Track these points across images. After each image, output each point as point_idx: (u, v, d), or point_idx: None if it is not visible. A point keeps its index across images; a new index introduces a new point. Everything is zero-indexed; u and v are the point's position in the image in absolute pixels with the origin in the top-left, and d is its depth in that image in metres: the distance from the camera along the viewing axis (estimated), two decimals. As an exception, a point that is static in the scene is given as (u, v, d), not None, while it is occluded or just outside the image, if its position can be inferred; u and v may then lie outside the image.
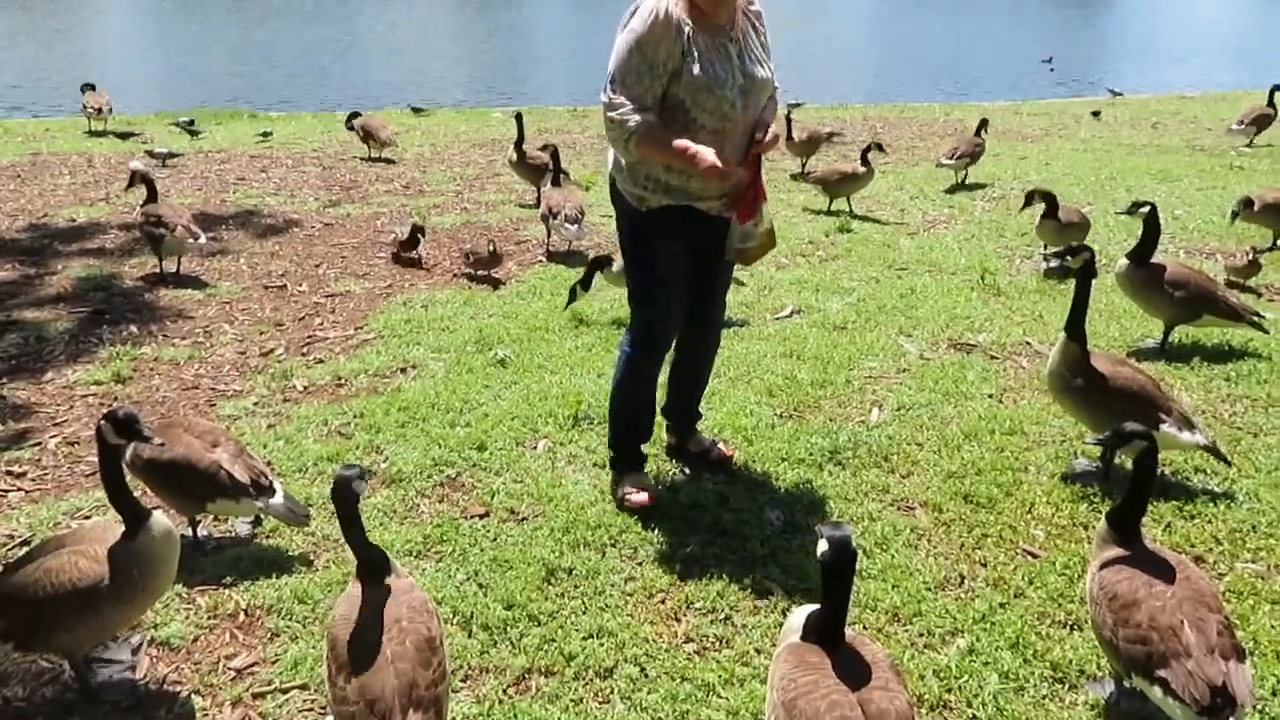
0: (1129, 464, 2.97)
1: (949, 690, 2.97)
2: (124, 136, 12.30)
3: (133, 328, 6.04)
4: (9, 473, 4.30)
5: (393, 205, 9.22)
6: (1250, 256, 6.54)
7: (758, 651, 3.13)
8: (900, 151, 12.06)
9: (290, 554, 3.66)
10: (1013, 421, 4.63)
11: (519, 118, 9.20)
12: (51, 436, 4.63)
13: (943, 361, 5.40)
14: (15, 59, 22.05)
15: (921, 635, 3.22)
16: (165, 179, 9.96)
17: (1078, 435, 4.45)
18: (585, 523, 3.80)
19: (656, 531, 3.76)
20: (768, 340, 5.70)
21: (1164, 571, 2.71)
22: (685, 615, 3.32)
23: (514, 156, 9.01)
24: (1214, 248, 7.64)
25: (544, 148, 8.59)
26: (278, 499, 3.50)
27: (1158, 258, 5.43)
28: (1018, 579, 3.48)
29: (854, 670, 2.28)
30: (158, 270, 6.99)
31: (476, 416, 4.71)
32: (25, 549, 3.35)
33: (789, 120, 10.53)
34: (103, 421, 2.89)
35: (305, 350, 5.75)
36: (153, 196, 6.95)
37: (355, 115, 11.79)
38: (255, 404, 4.98)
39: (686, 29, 3.37)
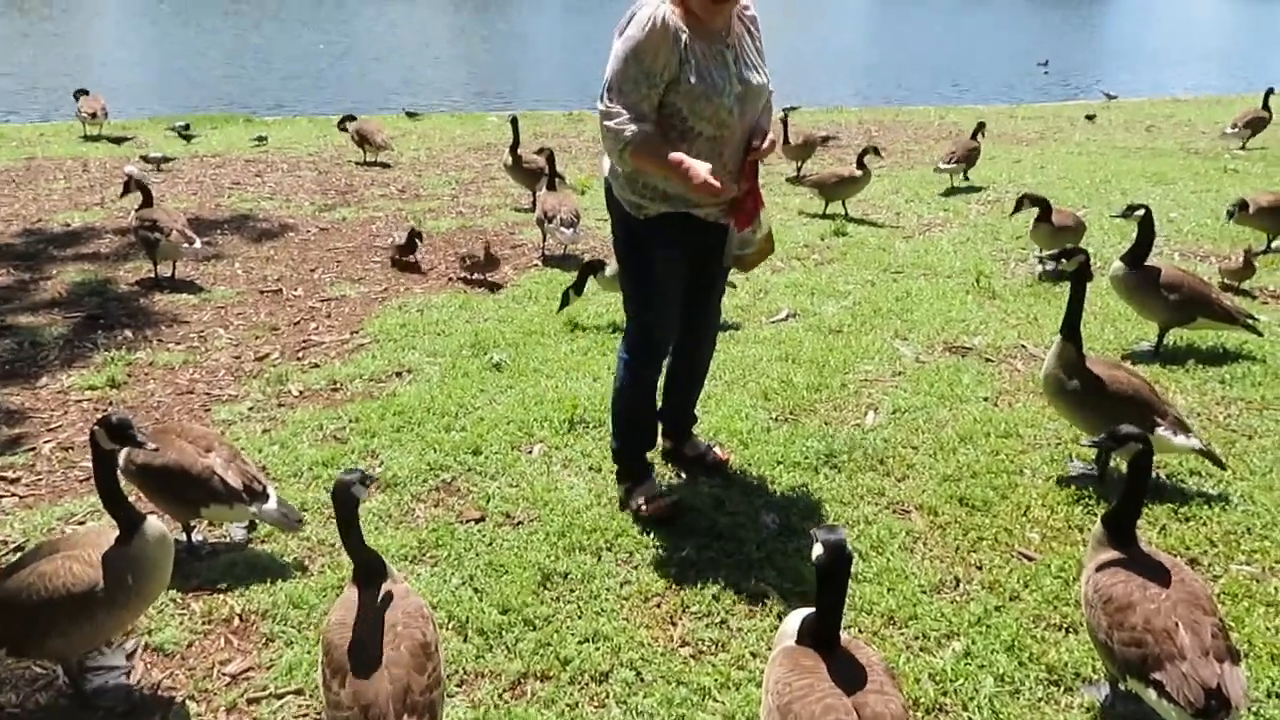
0: (1124, 467, 2.97)
1: (945, 693, 2.97)
2: (118, 141, 12.29)
3: (127, 332, 6.03)
4: (3, 478, 4.28)
5: (388, 209, 9.22)
6: (1244, 259, 6.56)
7: (753, 655, 3.13)
8: (895, 155, 12.08)
9: (285, 559, 3.65)
10: (1008, 424, 4.63)
11: (515, 122, 9.21)
12: (46, 442, 4.62)
13: (938, 365, 5.40)
14: (10, 63, 22.02)
15: (917, 638, 3.22)
16: (160, 183, 9.95)
17: (1073, 438, 4.45)
18: (581, 527, 3.80)
19: (652, 535, 3.76)
20: (763, 344, 5.70)
21: (1159, 574, 2.71)
22: (681, 619, 3.32)
23: (509, 161, 9.01)
24: (1208, 250, 7.66)
25: (540, 151, 8.60)
26: (271, 504, 3.50)
27: (1152, 260, 5.44)
28: (1013, 582, 3.48)
29: (849, 674, 2.28)
30: (153, 275, 6.98)
31: (472, 421, 4.70)
32: (19, 555, 3.34)
33: (785, 124, 10.55)
34: (97, 427, 2.89)
35: (300, 355, 5.74)
36: (148, 201, 6.94)
37: (349, 118, 11.79)
38: (250, 409, 4.97)
39: (683, 37, 3.35)
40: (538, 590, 3.45)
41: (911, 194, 9.85)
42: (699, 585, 3.47)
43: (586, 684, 3.03)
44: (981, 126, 10.82)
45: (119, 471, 3.17)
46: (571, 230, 7.29)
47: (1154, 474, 4.08)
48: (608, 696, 2.98)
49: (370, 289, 6.95)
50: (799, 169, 10.83)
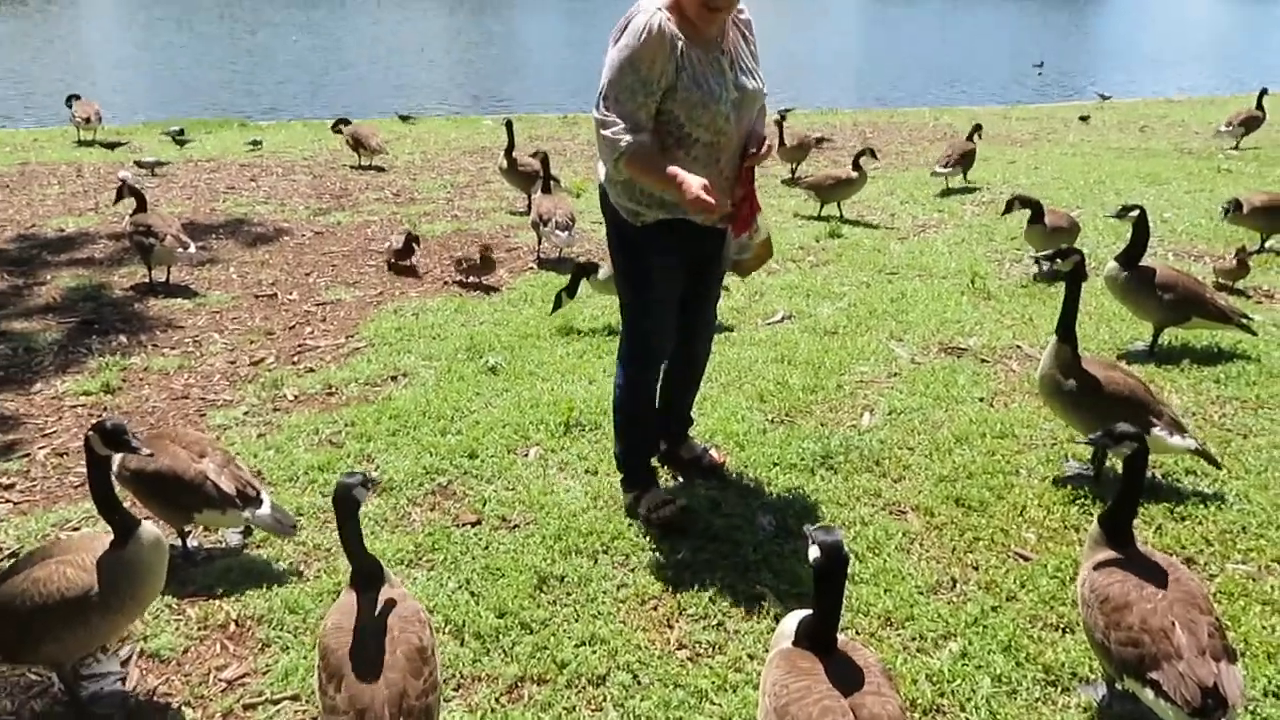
0: (1119, 467, 2.97)
1: (942, 694, 2.97)
2: (111, 146, 12.28)
3: (122, 338, 6.02)
4: (-3, 484, 4.27)
5: (383, 213, 9.21)
6: (1238, 259, 6.57)
7: (750, 657, 3.13)
8: (890, 156, 12.10)
9: (281, 564, 3.64)
10: (1004, 425, 4.63)
11: (509, 125, 9.21)
12: (40, 448, 4.61)
13: (933, 365, 5.41)
14: (5, 67, 21.98)
15: (914, 639, 3.21)
16: (154, 188, 9.94)
17: (1068, 438, 4.46)
18: (577, 530, 3.80)
19: (649, 538, 3.75)
20: (759, 345, 5.70)
21: (1155, 574, 2.71)
22: (678, 621, 3.32)
23: (504, 164, 9.02)
24: (1202, 250, 7.68)
25: (535, 155, 8.60)
26: (264, 509, 3.49)
27: (1147, 261, 5.45)
28: (1009, 582, 3.48)
29: (846, 675, 2.28)
30: (147, 280, 6.97)
31: (468, 424, 4.70)
32: (13, 561, 3.33)
33: (780, 126, 10.56)
34: (91, 433, 2.88)
35: (296, 359, 5.73)
36: (141, 206, 6.94)
37: (343, 121, 11.79)
38: (246, 413, 4.96)
39: (679, 44, 3.32)
40: (534, 594, 3.44)
41: (906, 195, 9.86)
42: (696, 588, 3.47)
43: (583, 687, 3.02)
44: (978, 128, 10.84)
45: (113, 477, 3.15)
46: (567, 233, 7.29)
47: (1150, 474, 4.09)
48: (605, 700, 2.97)
49: (365, 293, 6.95)
50: (793, 171, 10.85)
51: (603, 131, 3.37)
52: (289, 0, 40.63)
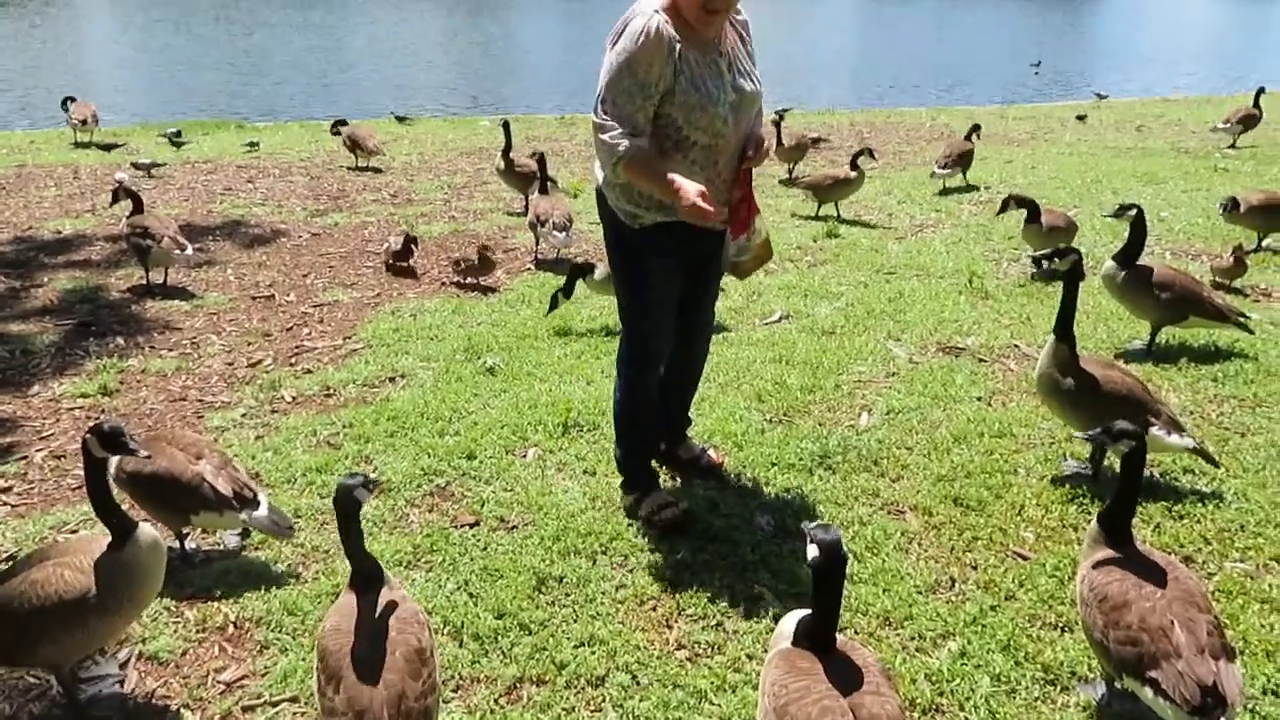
0: (1117, 467, 2.97)
1: (941, 694, 2.97)
2: (108, 148, 12.27)
3: (119, 340, 6.01)
4: (-5, 487, 4.27)
5: (380, 214, 9.20)
6: (1235, 257, 6.58)
7: (749, 657, 3.13)
8: (887, 156, 12.10)
9: (279, 566, 3.64)
10: (1002, 424, 4.64)
11: (506, 126, 9.21)
12: (38, 450, 4.60)
13: (931, 365, 5.41)
14: (2, 69, 21.95)
15: (913, 639, 3.21)
16: (151, 190, 9.93)
17: (1066, 438, 4.46)
18: (576, 530, 3.79)
19: (647, 538, 3.75)
20: (757, 346, 5.70)
21: (1154, 572, 2.71)
22: (677, 622, 3.32)
23: (502, 165, 9.01)
24: (1199, 249, 7.69)
25: (532, 155, 8.59)
26: (261, 511, 3.48)
27: (1144, 260, 5.45)
28: (1008, 581, 3.48)
29: (845, 675, 2.28)
30: (144, 282, 6.96)
31: (466, 425, 4.70)
32: (11, 563, 3.32)
33: (778, 127, 10.57)
34: (89, 435, 2.88)
35: (293, 361, 5.73)
36: (138, 208, 6.93)
37: (341, 123, 11.78)
38: (243, 415, 4.95)
39: (677, 47, 3.31)
40: (533, 595, 3.44)
41: (904, 195, 9.87)
42: (694, 588, 3.47)
43: (582, 688, 3.02)
44: (976, 128, 10.84)
45: (110, 479, 3.15)
46: (564, 234, 7.29)
47: (1148, 472, 4.10)
48: (604, 700, 2.97)
49: (363, 294, 6.94)
50: (790, 171, 10.85)
51: (601, 136, 3.36)
52: (286, 1, 40.61)
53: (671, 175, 3.29)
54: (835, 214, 8.92)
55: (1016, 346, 5.66)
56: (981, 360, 5.49)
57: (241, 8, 38.41)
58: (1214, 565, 3.57)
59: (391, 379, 5.36)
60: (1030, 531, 3.81)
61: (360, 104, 18.02)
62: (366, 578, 2.66)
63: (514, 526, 3.88)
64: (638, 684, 3.03)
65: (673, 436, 4.28)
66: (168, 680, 3.09)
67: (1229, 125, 12.47)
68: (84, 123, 12.36)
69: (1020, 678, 3.02)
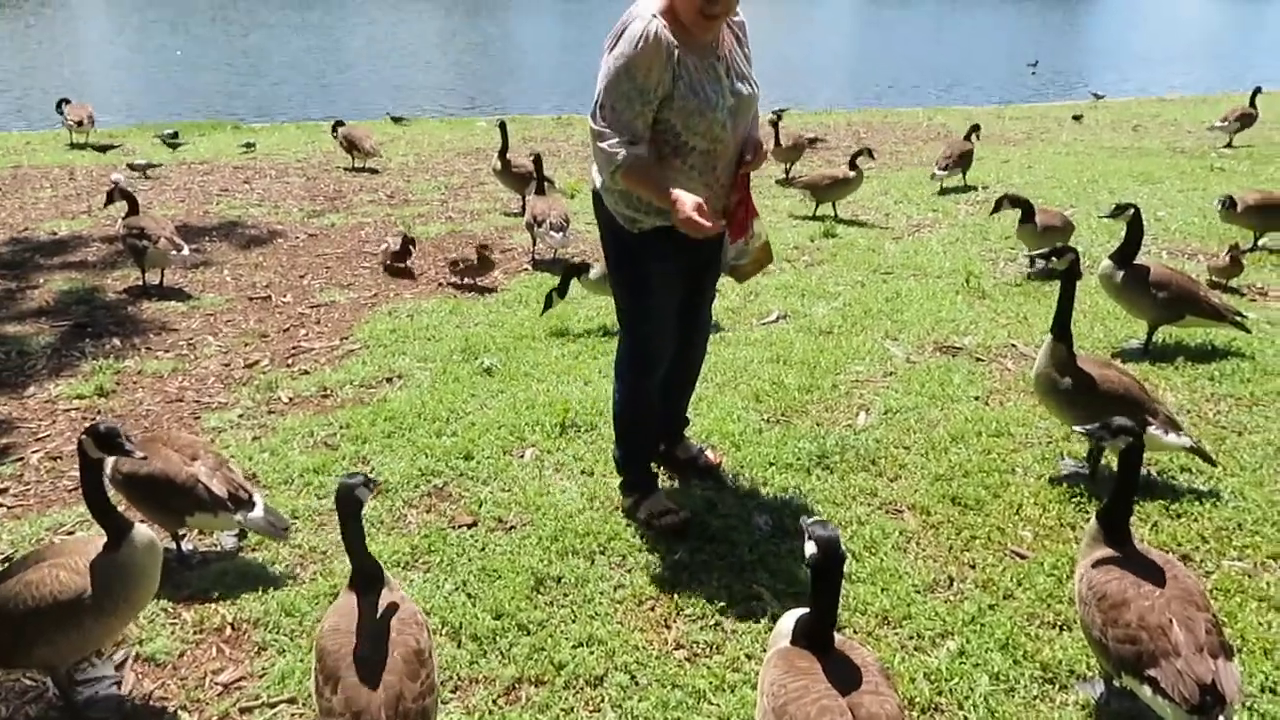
0: (1115, 466, 2.97)
1: (940, 693, 2.96)
2: (103, 149, 12.25)
3: (115, 341, 6.00)
4: (-9, 488, 4.26)
5: (377, 215, 9.20)
6: (1231, 257, 6.59)
7: (748, 657, 3.12)
8: (884, 156, 12.11)
9: (277, 567, 3.63)
10: (999, 423, 4.64)
11: (503, 126, 9.21)
12: (34, 451, 4.59)
13: (929, 365, 5.41)
14: (-3, 72, 21.94)
15: (911, 638, 3.21)
16: (148, 191, 9.92)
17: (1064, 437, 4.46)
18: (574, 531, 3.79)
19: (645, 539, 3.75)
20: (754, 346, 5.70)
21: (1152, 571, 2.71)
22: (675, 622, 3.31)
23: (498, 165, 9.01)
24: (1196, 249, 7.70)
25: (530, 155, 8.59)
26: (257, 512, 3.47)
27: (1141, 259, 5.46)
28: (1006, 580, 3.48)
29: (844, 675, 2.27)
30: (141, 283, 6.95)
31: (463, 426, 4.69)
32: (6, 565, 3.31)
33: (776, 127, 10.57)
34: (84, 436, 2.87)
35: (290, 361, 5.72)
36: (134, 209, 6.92)
37: (340, 124, 11.77)
38: (240, 416, 4.94)
39: (676, 51, 3.28)
40: (531, 595, 3.44)
41: (901, 195, 9.87)
42: (693, 588, 3.46)
43: (581, 688, 3.02)
44: (976, 128, 10.84)
45: (106, 480, 3.14)
46: (561, 234, 7.29)
47: (1146, 471, 4.10)
48: (602, 701, 2.97)
49: (360, 294, 6.94)
50: (787, 170, 10.86)
51: (599, 144, 3.33)
52: (284, 2, 40.58)
53: (670, 188, 3.27)
54: (833, 214, 8.93)
55: (1013, 346, 5.67)
56: (979, 360, 5.49)
57: (239, 8, 38.38)
58: (1212, 563, 3.57)
59: (389, 379, 5.36)
60: (1028, 530, 3.81)
61: (358, 105, 18.02)
62: (366, 578, 2.65)
63: (512, 527, 3.88)
64: (636, 684, 3.02)
65: (670, 437, 4.27)
66: (165, 682, 3.08)
67: (1226, 123, 12.50)
68: (80, 124, 12.34)
69: (1019, 676, 3.02)
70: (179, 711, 2.96)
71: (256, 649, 3.21)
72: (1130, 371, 4.38)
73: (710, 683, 3.01)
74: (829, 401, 4.95)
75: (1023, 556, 3.64)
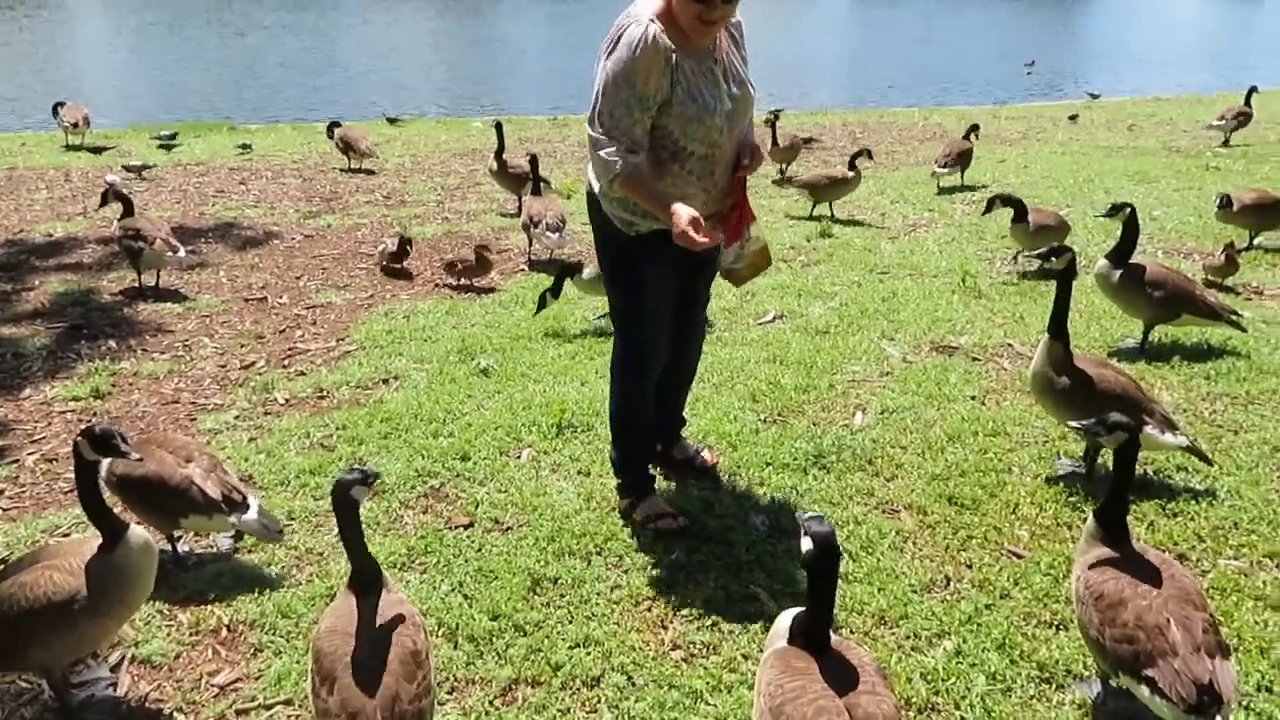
0: (1111, 465, 2.98)
1: (936, 693, 2.96)
2: (98, 150, 12.22)
3: (111, 343, 5.99)
4: (-14, 491, 4.25)
5: (373, 216, 9.19)
6: (1226, 256, 6.59)
7: (745, 657, 3.12)
8: (880, 156, 12.10)
9: (273, 568, 3.62)
10: (995, 423, 4.64)
11: (499, 127, 9.20)
12: (29, 454, 4.58)
13: (925, 364, 5.41)
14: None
15: (908, 638, 3.21)
16: (144, 192, 9.90)
17: (1060, 436, 4.46)
18: (570, 531, 3.79)
19: (642, 539, 3.75)
20: (751, 346, 5.70)
21: (1149, 570, 2.71)
22: (672, 622, 3.31)
23: (494, 166, 9.01)
24: (1191, 248, 7.71)
25: (526, 156, 8.58)
26: (251, 514, 3.46)
27: (1136, 258, 5.47)
28: (1003, 580, 3.48)
29: (841, 675, 2.27)
30: (136, 284, 6.94)
31: (460, 426, 4.68)
32: (1, 567, 3.31)
33: (773, 127, 10.58)
34: (80, 438, 2.86)
35: (286, 363, 5.71)
36: (128, 211, 6.90)
37: (335, 125, 11.76)
38: (236, 417, 4.94)
39: (674, 56, 3.26)
40: (528, 596, 3.43)
41: (897, 195, 9.88)
42: (689, 588, 3.46)
43: (578, 689, 3.01)
44: (975, 128, 10.85)
45: (101, 482, 3.14)
46: (557, 234, 7.29)
47: (1142, 471, 4.11)
48: (599, 701, 2.97)
49: (356, 295, 6.93)
50: (783, 170, 10.86)
51: (598, 152, 3.31)
52: (279, 3, 40.54)
53: (668, 203, 3.26)
54: (829, 214, 8.93)
55: (1010, 345, 5.67)
56: (975, 359, 5.50)
57: (234, 9, 38.35)
58: (1208, 563, 3.58)
59: (385, 380, 5.35)
60: (1025, 530, 3.81)
61: (355, 105, 18.00)
62: (365, 579, 2.64)
63: (508, 528, 3.88)
64: (633, 685, 3.02)
65: (667, 437, 4.27)
66: (161, 684, 3.08)
67: (1223, 122, 12.52)
68: (75, 126, 12.32)
69: (1015, 676, 3.02)
70: (175, 713, 2.95)
71: (253, 650, 3.21)
72: (1127, 370, 4.39)
73: (707, 683, 3.00)
74: (825, 401, 4.95)
75: (1019, 556, 3.64)
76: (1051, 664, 3.05)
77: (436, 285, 7.16)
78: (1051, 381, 4.08)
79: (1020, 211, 6.99)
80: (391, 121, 15.28)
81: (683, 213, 3.22)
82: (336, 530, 2.75)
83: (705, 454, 4.30)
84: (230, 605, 3.40)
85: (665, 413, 4.21)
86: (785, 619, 2.48)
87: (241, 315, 6.53)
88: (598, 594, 3.44)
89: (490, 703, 2.96)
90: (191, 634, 3.28)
